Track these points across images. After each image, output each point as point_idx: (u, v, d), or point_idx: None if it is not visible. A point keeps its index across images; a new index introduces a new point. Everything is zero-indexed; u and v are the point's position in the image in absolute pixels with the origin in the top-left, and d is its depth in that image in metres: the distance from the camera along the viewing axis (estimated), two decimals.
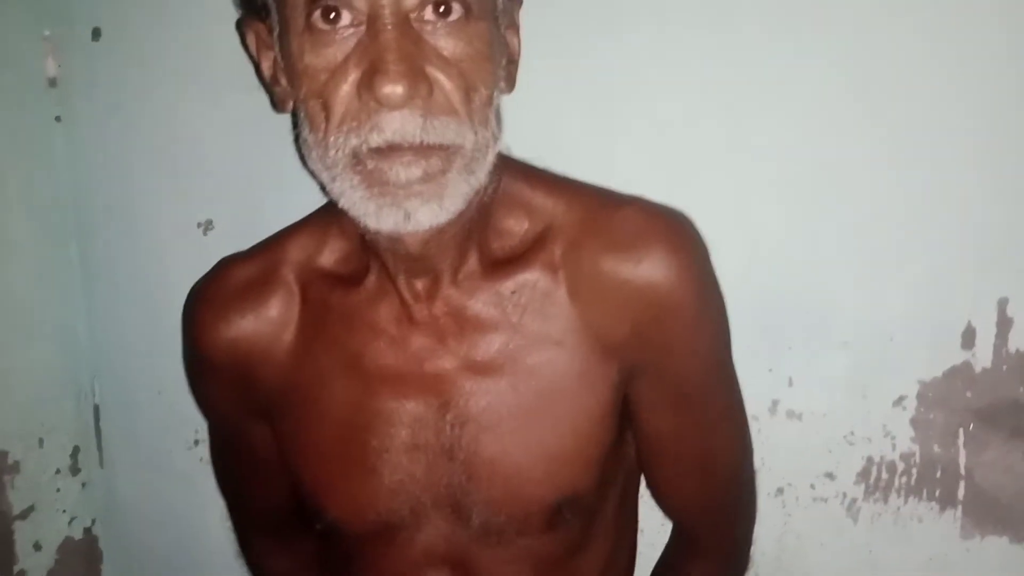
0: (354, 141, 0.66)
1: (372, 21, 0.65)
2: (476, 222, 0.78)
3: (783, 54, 0.97)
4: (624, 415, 0.84)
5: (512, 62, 0.77)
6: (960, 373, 0.98)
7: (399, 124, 0.65)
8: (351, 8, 0.65)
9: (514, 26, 0.78)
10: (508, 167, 0.81)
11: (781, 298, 1.01)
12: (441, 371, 0.80)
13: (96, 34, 1.26)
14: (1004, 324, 0.95)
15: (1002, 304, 0.95)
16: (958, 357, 0.97)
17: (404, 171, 0.67)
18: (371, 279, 0.82)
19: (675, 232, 0.80)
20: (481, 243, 0.80)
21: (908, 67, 0.93)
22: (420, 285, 0.80)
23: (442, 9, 0.66)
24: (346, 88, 0.66)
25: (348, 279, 0.84)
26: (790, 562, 1.08)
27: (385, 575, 0.85)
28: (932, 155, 0.94)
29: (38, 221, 1.28)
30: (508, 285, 0.80)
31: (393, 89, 0.63)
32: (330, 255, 0.85)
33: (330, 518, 0.84)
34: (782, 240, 1.01)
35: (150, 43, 1.23)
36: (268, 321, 0.85)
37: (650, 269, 0.77)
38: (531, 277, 0.79)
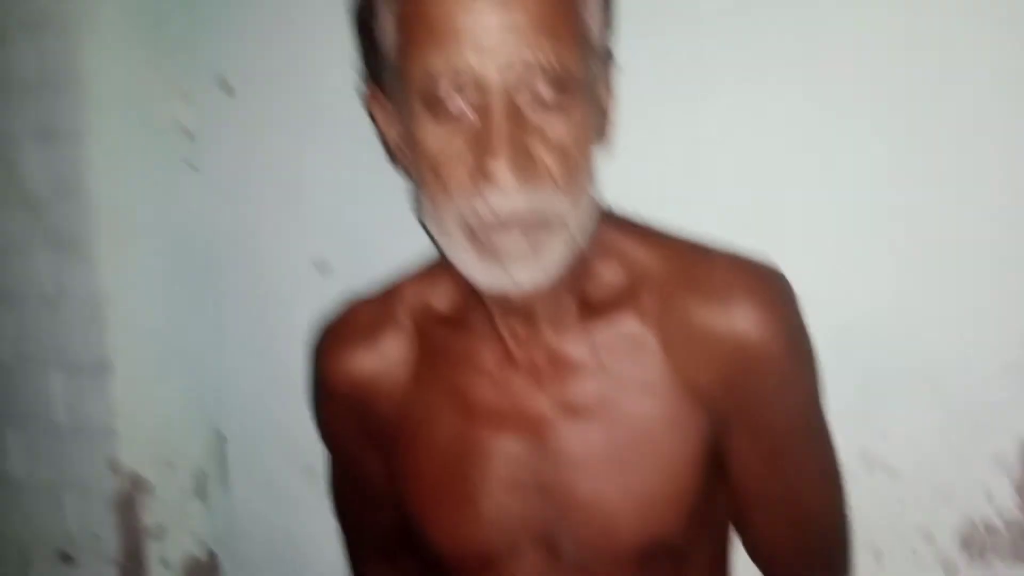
0: (466, 213, 0.73)
1: (484, 110, 0.70)
2: (573, 272, 0.81)
3: (873, 110, 0.99)
4: (715, 463, 0.85)
5: (607, 119, 0.82)
6: None
7: (506, 201, 0.71)
8: (466, 99, 0.71)
9: (609, 86, 0.82)
10: (604, 218, 0.84)
11: (877, 350, 1.01)
12: (538, 411, 0.84)
13: (226, 86, 1.38)
14: None
15: None
16: None
17: (511, 242, 0.73)
18: (476, 322, 0.87)
19: (765, 284, 0.82)
20: (578, 291, 0.84)
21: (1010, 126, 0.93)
22: (520, 329, 0.85)
23: (545, 97, 0.71)
24: (460, 168, 0.72)
25: (456, 321, 0.89)
26: None
27: None
28: None
29: (173, 260, 1.40)
30: (602, 332, 0.83)
31: (503, 174, 0.69)
32: (441, 299, 0.91)
33: (433, 545, 0.89)
34: (878, 292, 1.01)
35: (275, 97, 1.34)
36: (386, 359, 0.91)
37: (740, 321, 0.79)
38: (625, 324, 0.83)
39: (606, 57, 0.80)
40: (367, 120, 0.92)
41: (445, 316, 0.91)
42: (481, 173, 0.70)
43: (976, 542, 1.01)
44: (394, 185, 1.15)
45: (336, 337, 0.96)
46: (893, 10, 0.96)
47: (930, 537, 1.02)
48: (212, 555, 1.48)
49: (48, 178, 1.31)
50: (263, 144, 1.35)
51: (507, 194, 0.70)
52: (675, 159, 1.08)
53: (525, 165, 0.70)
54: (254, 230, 1.39)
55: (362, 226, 1.30)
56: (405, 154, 0.81)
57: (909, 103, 0.97)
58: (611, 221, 0.86)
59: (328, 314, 0.99)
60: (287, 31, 1.30)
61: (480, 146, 0.70)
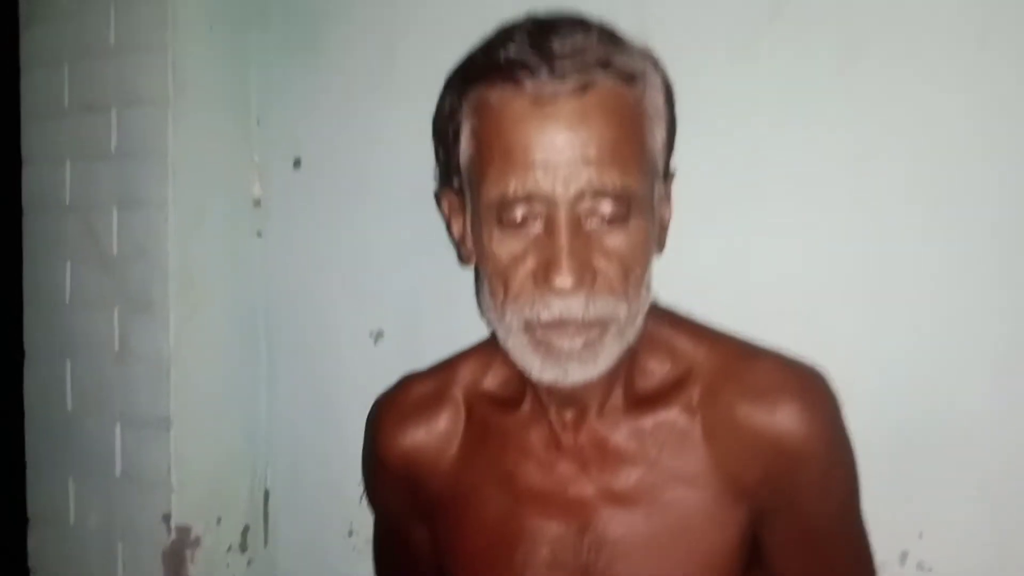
0: (528, 313, 0.79)
1: (550, 223, 0.77)
2: (624, 364, 0.86)
3: (915, 205, 1.04)
4: (753, 555, 0.88)
5: (663, 228, 0.88)
6: None
7: (566, 306, 0.77)
8: (534, 212, 0.77)
9: (668, 197, 0.88)
10: (654, 312, 0.89)
11: (916, 447, 1.04)
12: (582, 496, 0.88)
13: (297, 163, 1.46)
14: None
15: None
16: None
17: (568, 343, 0.79)
18: (526, 405, 0.92)
19: (809, 386, 0.86)
20: (626, 381, 0.89)
21: None
22: (568, 415, 0.89)
23: (607, 213, 0.77)
24: (524, 273, 0.79)
25: (507, 402, 0.94)
26: None
27: None
28: None
29: (236, 323, 1.47)
30: (648, 421, 0.88)
31: (564, 284, 0.75)
32: (493, 379, 0.96)
33: None
34: (917, 389, 1.04)
35: (341, 173, 1.42)
36: (438, 434, 0.96)
37: (783, 420, 0.83)
38: (670, 416, 0.87)
39: (667, 174, 0.86)
40: (429, 199, 0.98)
41: (496, 396, 0.95)
42: (545, 281, 0.76)
43: None
44: (451, 262, 1.21)
45: (391, 411, 1.01)
46: (945, 130, 1.02)
47: None
48: None
49: (126, 241, 1.39)
50: (329, 218, 1.43)
51: (567, 301, 0.76)
52: (725, 259, 1.13)
53: (585, 275, 0.76)
54: (314, 295, 1.46)
55: (418, 299, 1.36)
56: (471, 251, 0.87)
57: (951, 213, 1.02)
58: (663, 317, 0.91)
59: (385, 387, 1.04)
60: (358, 114, 1.39)
61: (544, 256, 0.77)
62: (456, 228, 0.90)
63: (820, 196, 1.08)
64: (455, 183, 0.86)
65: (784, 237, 1.10)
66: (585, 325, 0.78)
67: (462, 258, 0.90)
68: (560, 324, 0.78)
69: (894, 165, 1.04)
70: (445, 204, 0.91)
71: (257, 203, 1.50)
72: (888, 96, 1.04)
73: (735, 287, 1.12)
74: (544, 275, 0.76)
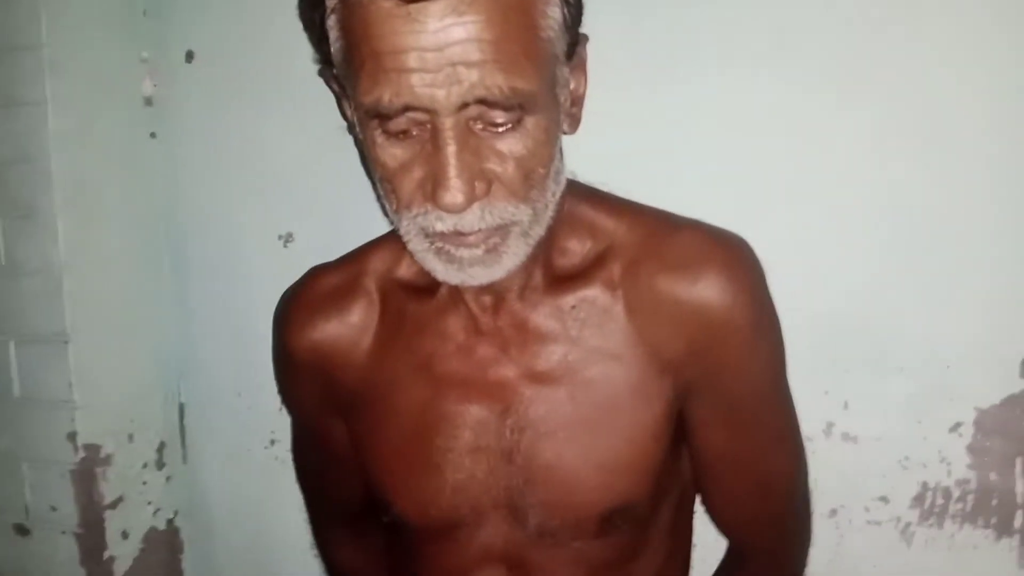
0: (421, 222, 0.72)
1: (435, 133, 0.68)
2: (541, 243, 0.81)
3: (843, 84, 1.00)
4: (679, 431, 0.87)
5: (576, 103, 0.80)
6: (1018, 401, 0.99)
7: (459, 219, 0.70)
8: (417, 122, 0.68)
9: (580, 66, 0.79)
10: (573, 191, 0.85)
11: (839, 321, 1.04)
12: (503, 378, 0.85)
13: (189, 56, 1.36)
14: None
15: None
16: (1016, 385, 0.99)
17: (467, 252, 0.73)
18: (443, 291, 0.88)
19: (731, 255, 0.83)
20: (545, 261, 0.85)
21: (971, 104, 0.96)
22: (487, 299, 0.85)
23: (498, 120, 0.69)
24: (413, 184, 0.71)
25: (423, 290, 0.89)
26: None
27: (446, 570, 0.90)
28: (997, 188, 0.96)
29: (134, 231, 1.38)
30: (569, 300, 0.84)
31: (453, 201, 0.68)
32: (408, 267, 0.90)
33: (397, 512, 0.89)
34: (841, 263, 1.03)
35: (239, 66, 1.32)
36: (350, 326, 0.91)
37: (705, 290, 0.80)
38: (591, 293, 0.84)
39: (574, 48, 0.76)
40: (331, 93, 0.91)
41: (411, 284, 0.91)
42: (431, 199, 0.69)
43: (930, 504, 1.04)
44: (358, 157, 1.15)
45: (299, 304, 0.95)
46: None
47: (885, 499, 1.06)
48: (172, 526, 1.47)
49: (4, 144, 1.28)
50: (227, 115, 1.34)
51: (461, 215, 0.70)
52: (648, 135, 1.08)
53: (477, 187, 0.69)
54: (217, 199, 1.37)
55: (327, 198, 1.29)
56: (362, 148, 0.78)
57: (886, 88, 0.99)
58: (582, 195, 0.86)
59: (292, 283, 0.99)
60: (253, 2, 1.29)
61: (431, 170, 0.69)
62: (347, 111, 0.80)
63: (747, 70, 1.04)
64: (334, 70, 0.76)
65: (708, 116, 1.06)
66: (484, 234, 0.72)
67: (356, 143, 0.83)
68: (457, 235, 0.72)
69: (826, 36, 1.00)
70: (333, 84, 0.80)
71: (148, 102, 1.39)
72: None
73: (658, 165, 1.08)
74: (432, 193, 0.69)
